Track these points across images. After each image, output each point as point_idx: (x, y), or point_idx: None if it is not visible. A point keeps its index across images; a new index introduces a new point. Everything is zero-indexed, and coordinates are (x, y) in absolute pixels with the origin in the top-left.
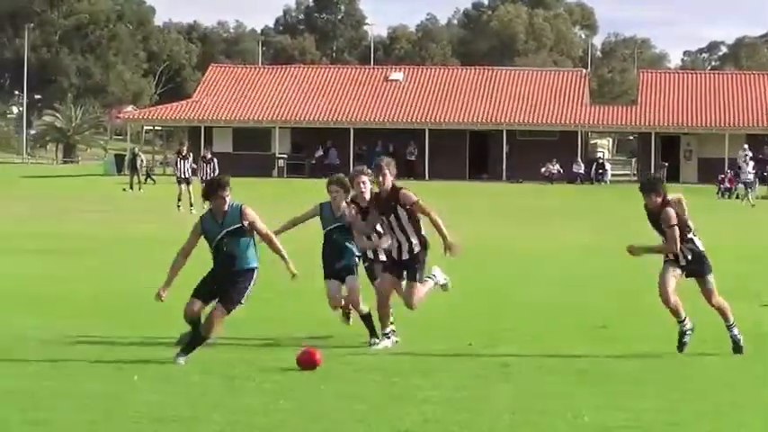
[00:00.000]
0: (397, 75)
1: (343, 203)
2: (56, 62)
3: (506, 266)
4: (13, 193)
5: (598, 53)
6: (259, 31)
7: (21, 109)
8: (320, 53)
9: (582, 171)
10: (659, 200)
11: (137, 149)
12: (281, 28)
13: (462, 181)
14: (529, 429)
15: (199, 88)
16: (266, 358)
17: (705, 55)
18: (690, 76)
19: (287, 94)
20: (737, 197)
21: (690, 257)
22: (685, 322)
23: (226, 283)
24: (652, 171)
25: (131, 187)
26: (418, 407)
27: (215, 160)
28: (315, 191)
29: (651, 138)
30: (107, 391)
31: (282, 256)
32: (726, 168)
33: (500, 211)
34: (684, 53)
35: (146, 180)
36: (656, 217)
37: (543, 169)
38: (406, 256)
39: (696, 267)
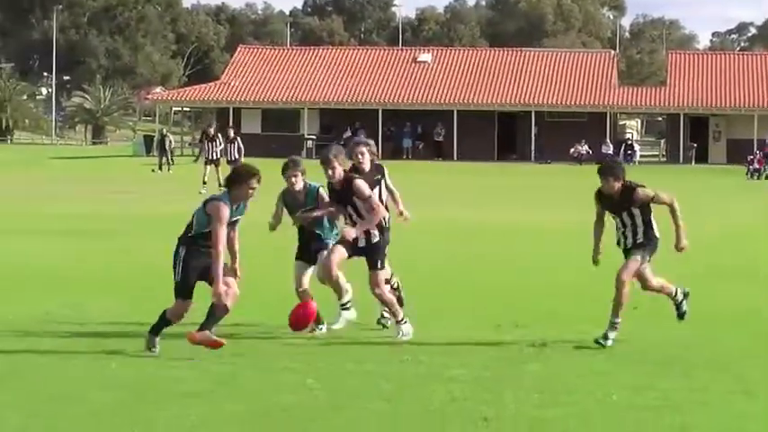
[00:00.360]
0: (425, 56)
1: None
2: (84, 44)
3: (537, 246)
4: (44, 174)
5: (626, 34)
6: (287, 13)
7: (50, 90)
8: (348, 34)
9: (611, 152)
10: (617, 185)
11: (165, 130)
12: (309, 9)
13: (491, 162)
14: (556, 409)
15: (227, 70)
16: (294, 337)
17: (734, 36)
18: (718, 57)
19: (315, 75)
20: (767, 178)
21: (640, 239)
22: (677, 295)
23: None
24: (681, 151)
25: (160, 168)
26: (445, 385)
27: (238, 139)
28: None
29: (680, 119)
30: (137, 373)
31: None
32: (755, 149)
33: (528, 192)
34: (713, 34)
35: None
36: (614, 202)
37: (572, 150)
38: (362, 243)
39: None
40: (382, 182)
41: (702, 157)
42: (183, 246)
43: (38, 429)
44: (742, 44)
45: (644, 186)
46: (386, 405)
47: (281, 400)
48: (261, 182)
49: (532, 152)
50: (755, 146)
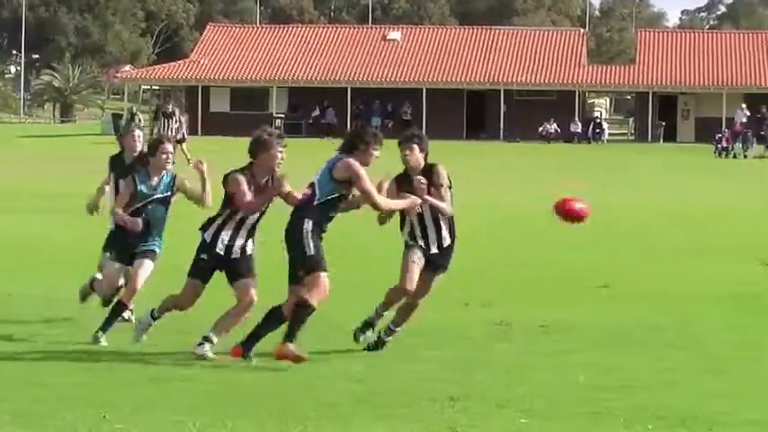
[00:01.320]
0: (394, 34)
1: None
2: (54, 21)
3: (506, 227)
4: (13, 153)
5: (596, 12)
6: None
7: (18, 68)
8: (318, 13)
9: (579, 130)
10: (422, 155)
11: (134, 109)
12: None
13: (459, 141)
14: (523, 388)
15: (197, 48)
16: None
17: (703, 14)
18: (688, 35)
19: (285, 53)
20: (734, 156)
21: (438, 250)
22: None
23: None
24: (649, 130)
25: None
26: (414, 366)
27: (176, 113)
28: (312, 150)
29: (648, 97)
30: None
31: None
32: (723, 128)
33: (498, 170)
34: (683, 12)
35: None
36: (415, 175)
37: (541, 128)
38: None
39: (441, 262)
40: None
41: (671, 136)
42: (309, 219)
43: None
44: (711, 22)
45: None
46: (356, 385)
47: (248, 378)
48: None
49: (501, 131)
50: (724, 124)
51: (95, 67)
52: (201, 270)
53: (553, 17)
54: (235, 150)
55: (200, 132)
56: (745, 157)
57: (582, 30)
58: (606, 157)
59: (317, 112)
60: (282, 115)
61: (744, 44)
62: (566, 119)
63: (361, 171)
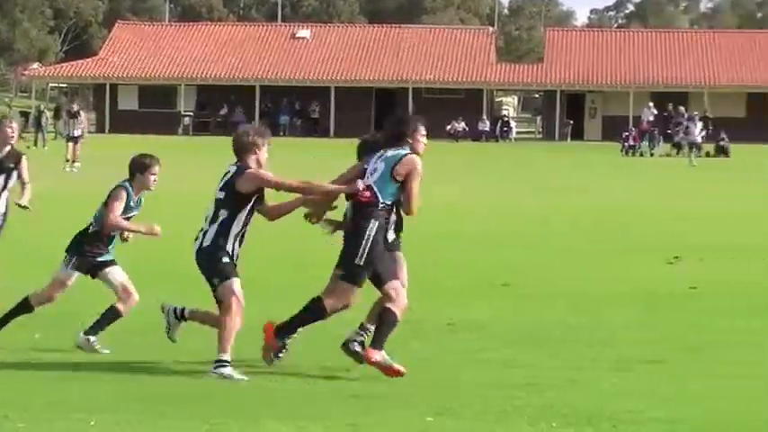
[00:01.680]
0: (303, 32)
1: None
2: None
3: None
4: None
5: (505, 11)
6: None
7: None
8: (227, 11)
9: (487, 129)
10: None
11: (42, 107)
12: None
13: None
14: (430, 386)
15: (105, 46)
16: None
17: (612, 13)
18: (596, 34)
19: (193, 51)
20: (641, 155)
21: None
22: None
23: None
24: (557, 128)
25: (35, 144)
26: (324, 361)
27: (81, 114)
28: (219, 148)
29: (556, 95)
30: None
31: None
32: (630, 126)
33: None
34: (591, 11)
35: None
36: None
37: (449, 127)
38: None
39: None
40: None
41: (578, 134)
42: (375, 220)
43: None
44: (620, 21)
45: None
46: (263, 384)
47: (153, 379)
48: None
49: None
50: (631, 122)
51: (3, 65)
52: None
53: (462, 15)
54: (144, 148)
55: (107, 130)
56: (652, 155)
57: (491, 28)
58: (514, 155)
59: (224, 110)
60: (191, 113)
61: (651, 43)
62: (474, 117)
63: (417, 165)
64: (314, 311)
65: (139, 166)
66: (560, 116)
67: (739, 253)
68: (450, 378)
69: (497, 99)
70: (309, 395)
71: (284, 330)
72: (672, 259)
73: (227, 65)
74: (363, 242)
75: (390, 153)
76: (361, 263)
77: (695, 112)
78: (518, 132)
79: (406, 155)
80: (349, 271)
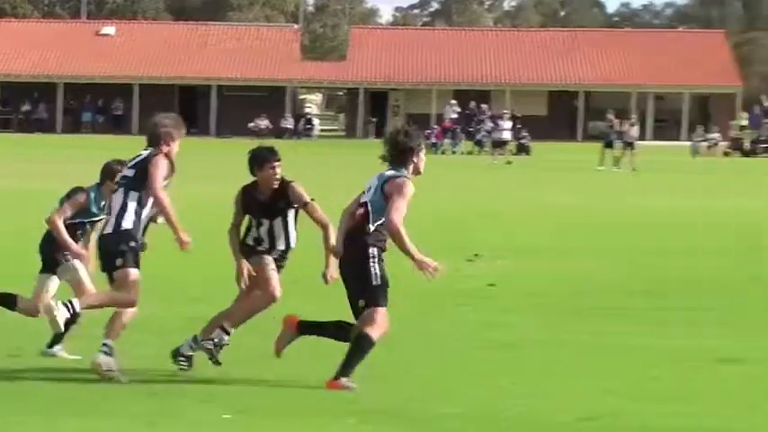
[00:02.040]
0: (108, 29)
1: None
2: None
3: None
4: None
5: (311, 8)
6: None
7: None
8: (32, 7)
9: (291, 126)
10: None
11: None
12: None
13: None
14: (233, 384)
15: None
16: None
17: (416, 11)
18: (400, 32)
19: None
20: (443, 153)
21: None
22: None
23: None
24: (360, 126)
25: None
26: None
27: None
28: (22, 145)
29: (359, 93)
30: None
31: None
32: (432, 124)
33: (212, 168)
34: (396, 9)
35: None
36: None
37: (252, 124)
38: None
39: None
40: None
41: (382, 132)
42: (374, 247)
43: None
44: (424, 19)
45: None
46: (62, 381)
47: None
48: None
49: (213, 126)
50: (434, 120)
51: None
52: None
53: (267, 13)
54: None
55: None
56: (454, 153)
57: (295, 26)
58: (316, 153)
59: (27, 107)
60: None
61: (455, 41)
62: (278, 114)
63: (406, 189)
64: (365, 347)
65: None
66: (363, 114)
67: (534, 253)
68: (254, 375)
69: (301, 96)
70: (108, 391)
71: (343, 369)
72: (471, 257)
73: (30, 61)
74: (370, 262)
75: (390, 173)
76: (379, 282)
77: (504, 111)
78: (321, 130)
79: (398, 177)
80: (370, 295)
